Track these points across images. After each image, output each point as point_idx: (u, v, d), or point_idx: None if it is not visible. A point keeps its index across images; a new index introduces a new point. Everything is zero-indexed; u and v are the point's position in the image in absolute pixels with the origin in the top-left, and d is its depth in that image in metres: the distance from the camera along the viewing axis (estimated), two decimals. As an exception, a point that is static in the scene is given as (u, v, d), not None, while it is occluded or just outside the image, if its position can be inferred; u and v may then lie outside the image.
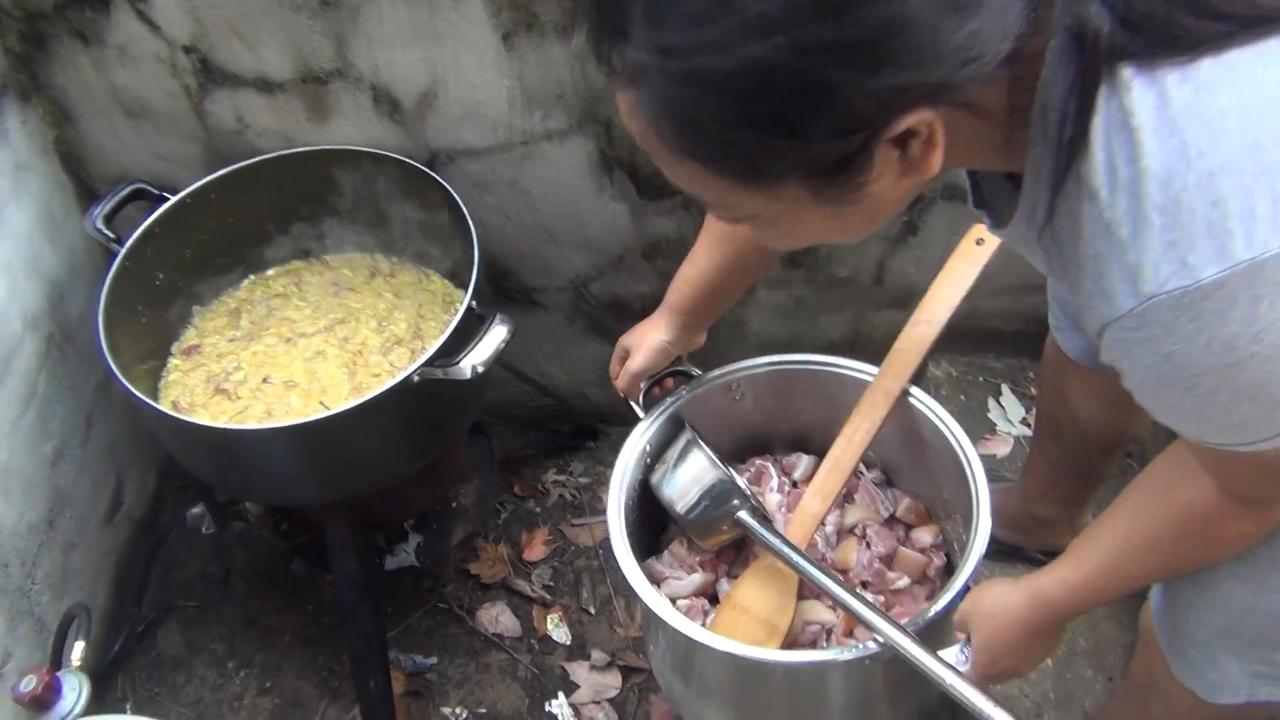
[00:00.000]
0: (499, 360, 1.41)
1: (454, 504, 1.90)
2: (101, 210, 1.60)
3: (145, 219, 1.58)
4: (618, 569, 1.36)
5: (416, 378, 1.40)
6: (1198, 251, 0.65)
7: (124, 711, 1.81)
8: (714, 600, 1.50)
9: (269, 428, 1.42)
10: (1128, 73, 0.67)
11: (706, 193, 0.76)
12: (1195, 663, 1.09)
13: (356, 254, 1.80)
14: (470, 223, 1.55)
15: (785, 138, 0.67)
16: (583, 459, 2.14)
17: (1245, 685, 1.05)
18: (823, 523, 1.46)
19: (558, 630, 1.90)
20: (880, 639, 1.19)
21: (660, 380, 1.47)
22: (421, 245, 1.75)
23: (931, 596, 1.44)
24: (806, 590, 1.41)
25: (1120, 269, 0.69)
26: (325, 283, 1.76)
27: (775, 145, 0.68)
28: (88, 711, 1.31)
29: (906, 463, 1.54)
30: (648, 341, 1.39)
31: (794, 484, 1.57)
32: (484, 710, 1.81)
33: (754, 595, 1.41)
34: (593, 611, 1.92)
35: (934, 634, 1.22)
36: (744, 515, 1.38)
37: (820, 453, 1.48)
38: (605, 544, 1.59)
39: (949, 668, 1.12)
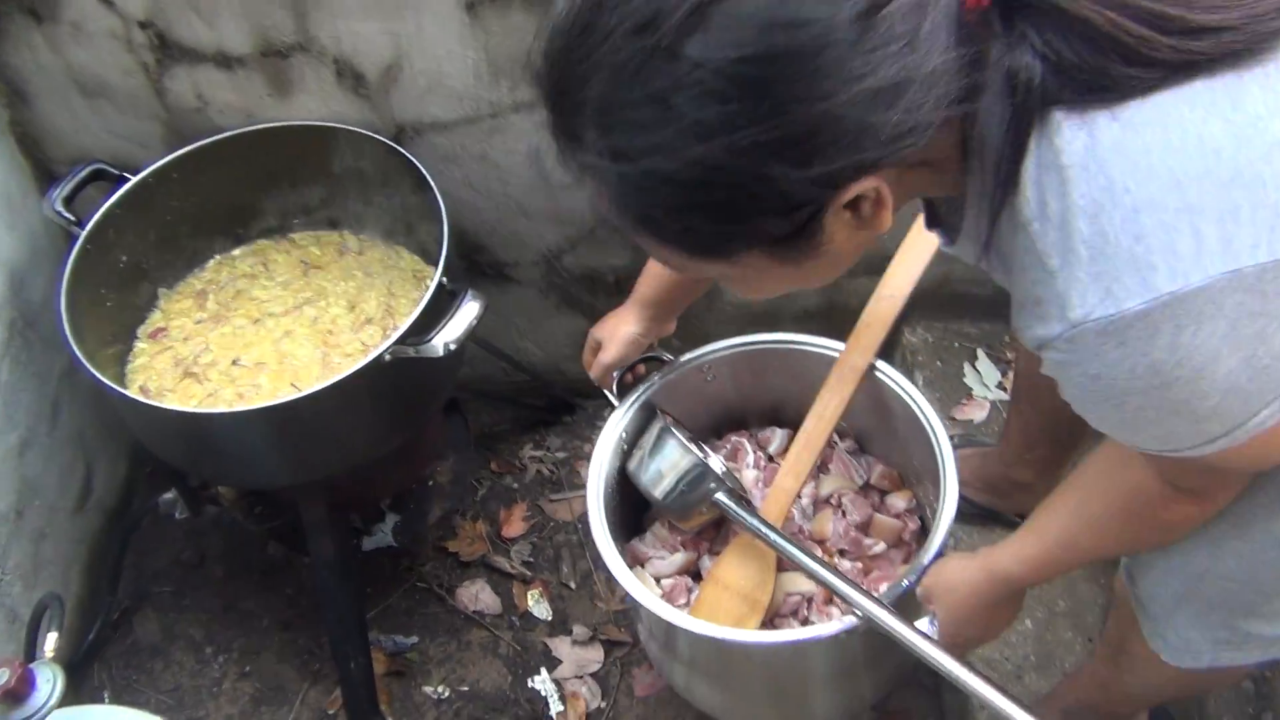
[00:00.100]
0: (472, 336, 1.40)
1: (430, 482, 1.89)
2: (60, 192, 1.57)
3: (106, 200, 1.55)
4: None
5: (388, 356, 1.38)
6: (1122, 283, 0.69)
7: (102, 700, 1.80)
8: (697, 578, 1.52)
9: (240, 411, 1.40)
10: (1059, 115, 0.70)
11: (671, 263, 0.82)
12: (1159, 626, 1.09)
13: (324, 232, 1.77)
14: (439, 197, 1.53)
15: (735, 223, 0.73)
16: (559, 434, 2.13)
17: (1208, 651, 1.06)
18: (798, 496, 1.49)
19: (538, 606, 1.89)
20: (857, 612, 1.22)
21: (633, 367, 1.51)
22: (390, 221, 1.72)
23: (908, 560, 1.48)
24: (786, 563, 1.43)
25: (1051, 296, 0.72)
26: (293, 261, 1.73)
27: (726, 229, 0.74)
28: (63, 703, 1.29)
29: (877, 431, 1.57)
30: (618, 334, 1.43)
31: (770, 458, 1.60)
32: (466, 688, 1.80)
33: (735, 572, 1.45)
34: (573, 586, 1.92)
35: (909, 603, 1.24)
36: (720, 496, 1.41)
37: (795, 425, 1.51)
38: (584, 519, 1.59)
39: (923, 636, 1.15)
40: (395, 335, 1.38)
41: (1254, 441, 0.76)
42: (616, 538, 1.42)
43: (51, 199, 1.56)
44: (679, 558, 1.52)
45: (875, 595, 1.22)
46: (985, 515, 1.64)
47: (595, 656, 1.82)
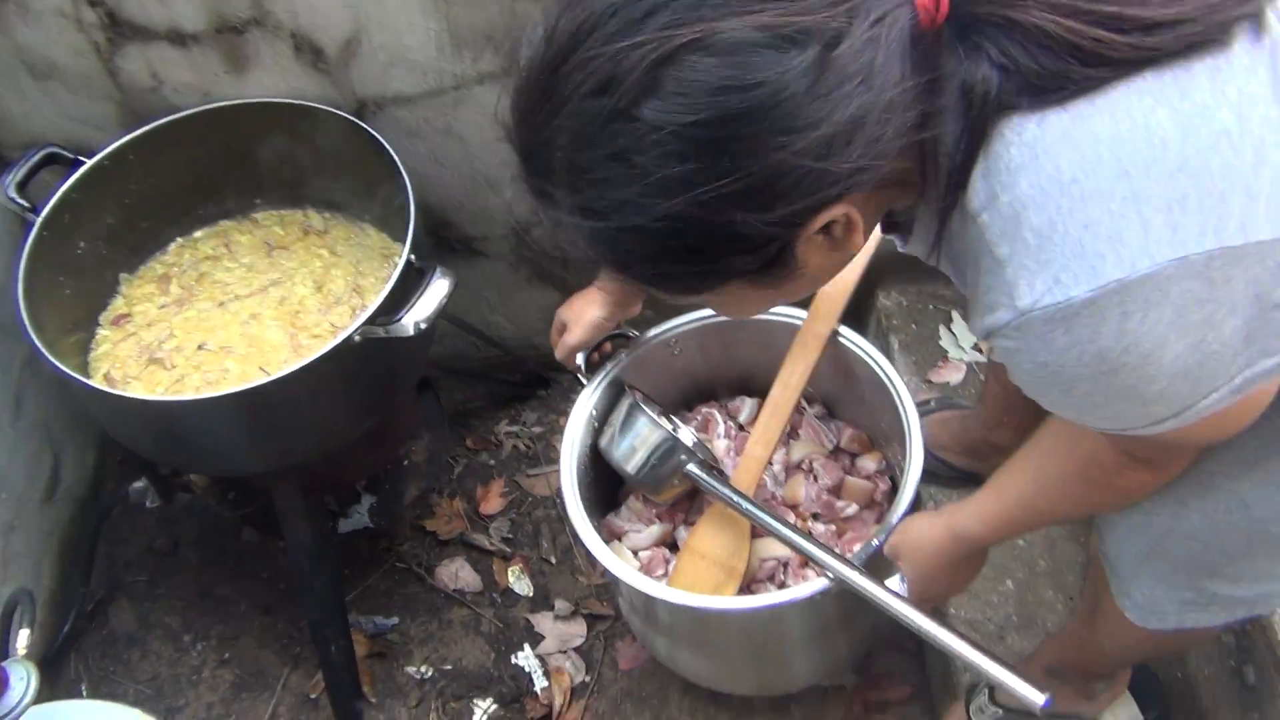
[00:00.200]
0: (443, 313, 1.38)
1: (405, 462, 1.87)
2: (13, 178, 1.52)
3: (61, 185, 1.51)
4: (577, 523, 1.37)
5: (358, 337, 1.36)
6: (1070, 271, 0.69)
7: (79, 693, 1.78)
8: (674, 548, 1.54)
9: (208, 397, 1.37)
10: (1015, 117, 0.71)
11: (654, 295, 0.83)
12: (1125, 585, 1.10)
13: (287, 211, 1.74)
14: (404, 173, 1.50)
15: (707, 264, 0.75)
16: (534, 408, 2.11)
17: (1173, 612, 1.07)
18: (770, 463, 1.52)
19: (519, 582, 1.88)
20: (830, 574, 1.25)
21: (600, 345, 1.53)
22: (354, 199, 1.69)
23: (881, 520, 1.51)
24: (760, 529, 1.44)
25: (999, 285, 0.73)
26: (256, 242, 1.70)
27: (700, 269, 0.76)
28: (40, 698, 1.27)
29: (845, 395, 1.60)
30: (584, 318, 1.45)
31: (740, 428, 1.63)
32: (449, 667, 1.80)
33: (710, 540, 1.47)
34: (554, 561, 1.91)
35: (880, 563, 1.26)
36: (692, 468, 1.43)
37: (763, 394, 1.53)
38: (562, 493, 1.58)
39: (894, 594, 1.18)
40: (364, 315, 1.36)
41: (1204, 422, 0.77)
42: (592, 514, 1.44)
43: (4, 185, 1.52)
44: (655, 530, 1.54)
45: (845, 557, 1.26)
46: (965, 478, 1.65)
47: (578, 631, 1.81)
